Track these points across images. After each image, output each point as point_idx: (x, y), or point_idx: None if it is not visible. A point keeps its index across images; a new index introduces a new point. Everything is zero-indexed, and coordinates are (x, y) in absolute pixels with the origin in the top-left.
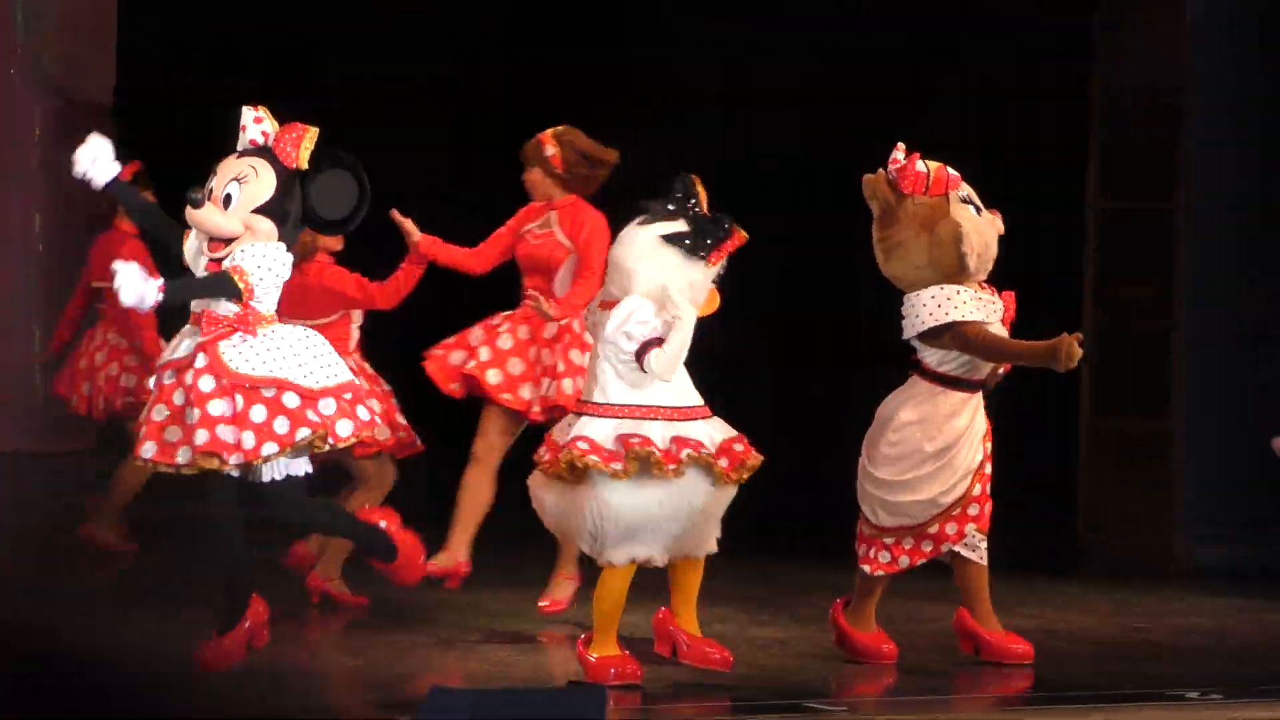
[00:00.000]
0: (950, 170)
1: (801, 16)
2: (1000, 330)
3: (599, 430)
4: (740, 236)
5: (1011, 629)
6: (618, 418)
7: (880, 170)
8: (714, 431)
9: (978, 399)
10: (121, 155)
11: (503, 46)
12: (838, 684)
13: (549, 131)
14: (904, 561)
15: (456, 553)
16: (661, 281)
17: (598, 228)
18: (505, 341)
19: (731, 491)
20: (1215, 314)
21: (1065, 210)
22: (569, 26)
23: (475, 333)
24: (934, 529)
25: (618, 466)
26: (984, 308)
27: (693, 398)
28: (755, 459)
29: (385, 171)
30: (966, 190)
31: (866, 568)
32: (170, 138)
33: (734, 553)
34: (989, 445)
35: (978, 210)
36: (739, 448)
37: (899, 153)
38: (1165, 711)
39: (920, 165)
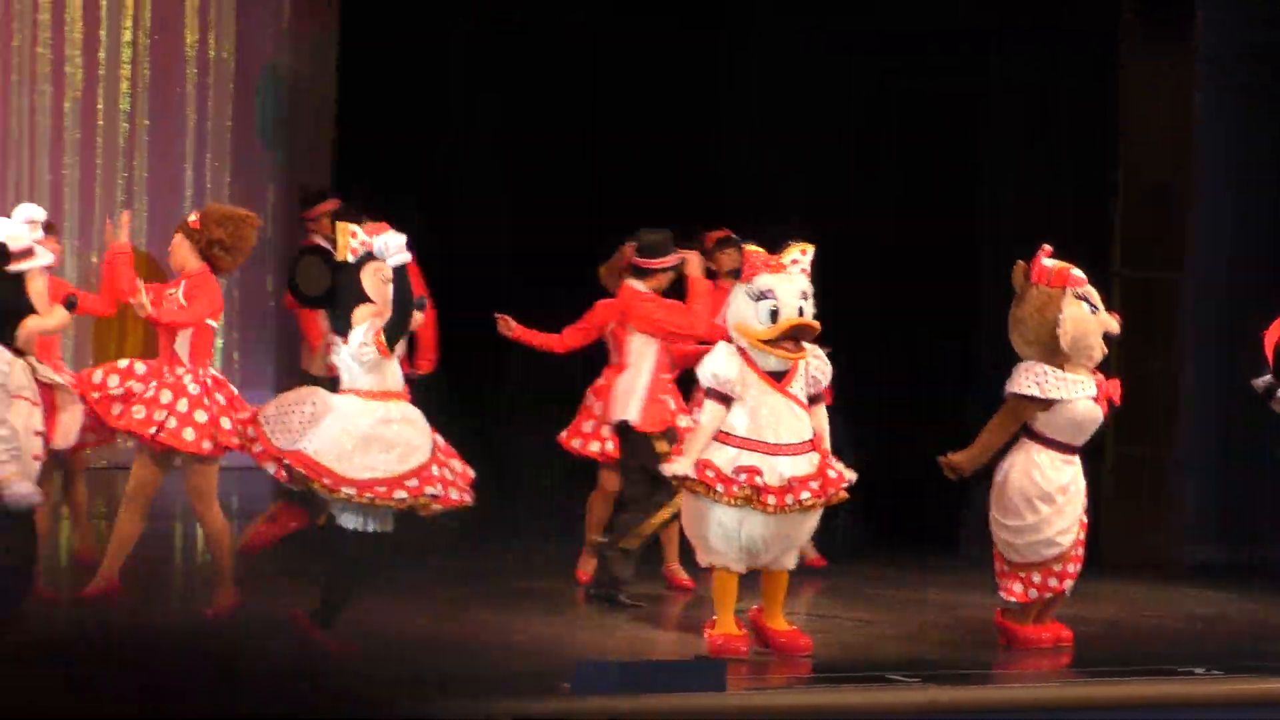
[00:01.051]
0: (1075, 272)
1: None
2: (1087, 407)
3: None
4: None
5: (1054, 617)
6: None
7: (1023, 262)
8: (797, 467)
9: (1077, 460)
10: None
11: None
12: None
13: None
14: (1033, 594)
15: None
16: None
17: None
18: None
19: (795, 519)
20: (1214, 363)
21: (1094, 279)
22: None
23: None
24: (1058, 566)
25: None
26: (1064, 386)
27: (789, 436)
28: (808, 499)
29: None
30: (1085, 290)
31: (1003, 594)
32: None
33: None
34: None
35: (1093, 309)
36: (798, 484)
37: (1042, 251)
38: (1176, 685)
39: (1047, 261)
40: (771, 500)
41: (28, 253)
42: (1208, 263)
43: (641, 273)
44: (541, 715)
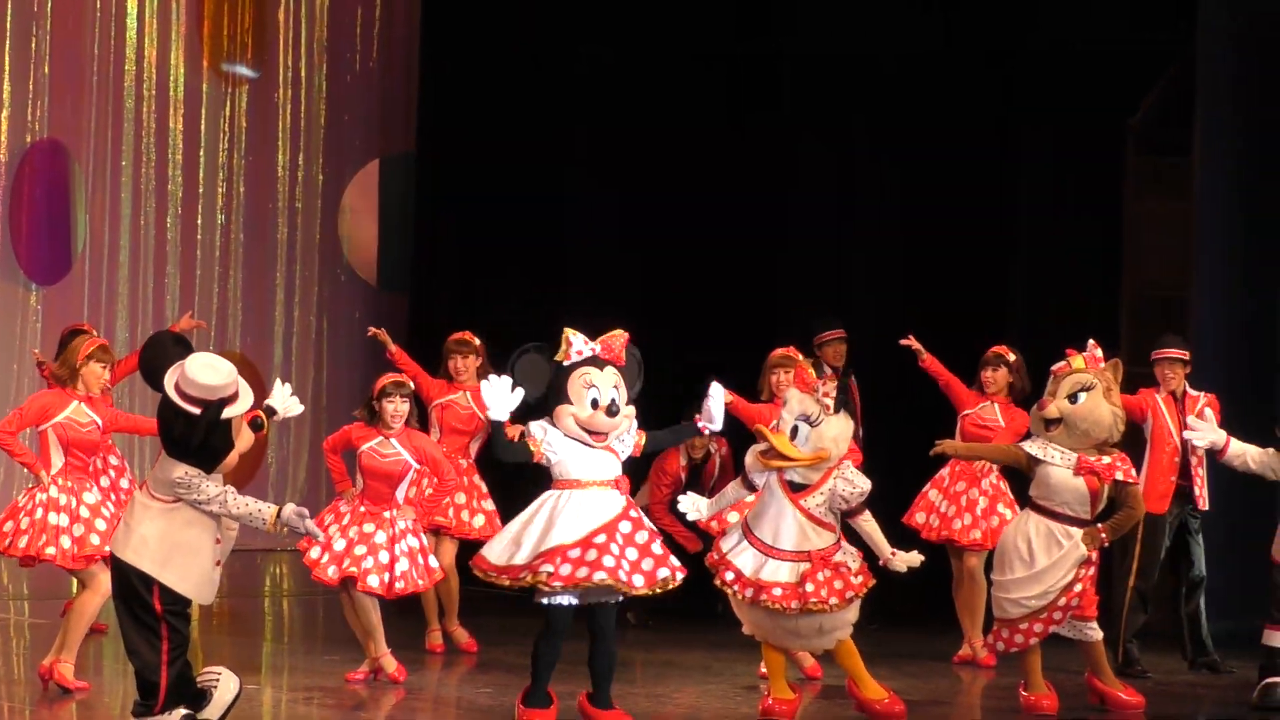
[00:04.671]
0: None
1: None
2: (1061, 475)
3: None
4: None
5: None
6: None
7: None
8: (791, 573)
9: (1072, 529)
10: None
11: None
12: None
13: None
14: (1018, 640)
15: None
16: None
17: None
18: None
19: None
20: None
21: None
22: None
23: None
24: (1024, 625)
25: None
26: (1044, 451)
27: (798, 544)
28: (795, 604)
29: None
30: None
31: (999, 645)
32: (455, 321)
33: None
34: (1083, 570)
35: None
36: (804, 587)
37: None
38: None
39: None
40: (763, 597)
41: (235, 397)
42: (1209, 362)
43: None
44: None
